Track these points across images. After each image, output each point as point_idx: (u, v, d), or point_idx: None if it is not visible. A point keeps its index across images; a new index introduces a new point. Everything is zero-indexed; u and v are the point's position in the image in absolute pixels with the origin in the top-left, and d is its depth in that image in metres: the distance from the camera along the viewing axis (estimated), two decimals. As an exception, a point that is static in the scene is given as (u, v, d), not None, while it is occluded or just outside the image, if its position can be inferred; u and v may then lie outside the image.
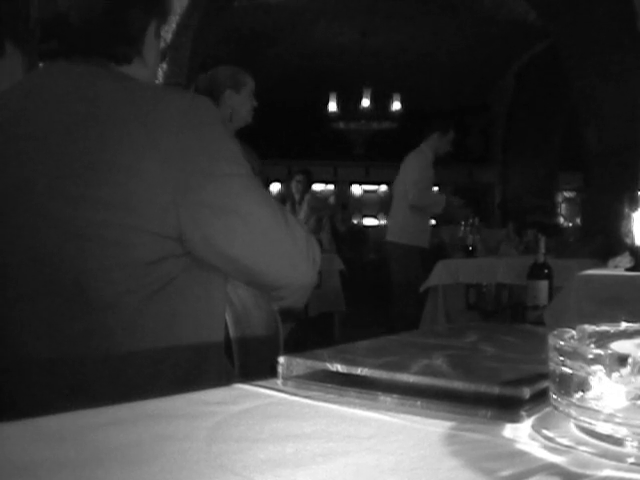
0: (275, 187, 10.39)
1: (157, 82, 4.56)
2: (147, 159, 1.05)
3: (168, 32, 5.01)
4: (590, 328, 0.60)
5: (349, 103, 9.63)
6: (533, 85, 9.95)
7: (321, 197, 11.52)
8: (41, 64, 1.22)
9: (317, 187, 10.78)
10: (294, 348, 0.85)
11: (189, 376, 1.15)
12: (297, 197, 7.00)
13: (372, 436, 0.55)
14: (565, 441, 0.52)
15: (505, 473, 0.46)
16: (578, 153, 6.51)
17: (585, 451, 0.50)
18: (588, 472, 0.46)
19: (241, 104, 3.05)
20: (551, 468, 0.47)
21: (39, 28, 1.19)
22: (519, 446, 0.52)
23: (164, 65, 5.07)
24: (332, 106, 9.65)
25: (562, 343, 0.53)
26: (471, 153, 11.95)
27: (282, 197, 6.57)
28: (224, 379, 1.13)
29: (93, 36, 1.17)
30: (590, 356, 0.51)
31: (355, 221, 13.81)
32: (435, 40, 9.23)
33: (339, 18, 8.50)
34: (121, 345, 1.09)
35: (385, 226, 5.86)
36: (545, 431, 0.55)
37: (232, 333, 1.69)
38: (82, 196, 1.04)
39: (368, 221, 13.96)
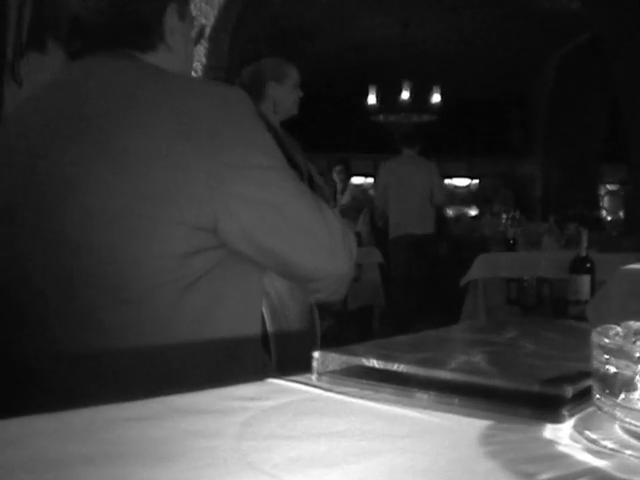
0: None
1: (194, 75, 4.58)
2: (181, 151, 1.04)
3: (207, 24, 5.02)
4: (636, 325, 0.58)
5: (388, 96, 9.58)
6: (575, 76, 9.79)
7: (362, 190, 11.53)
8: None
9: (357, 180, 10.74)
10: (333, 342, 0.84)
11: (225, 370, 1.14)
12: (340, 187, 7.08)
13: (407, 435, 0.53)
14: (609, 444, 0.50)
15: (545, 476, 0.45)
16: (622, 145, 6.39)
17: (631, 455, 0.48)
18: (634, 478, 0.44)
19: (285, 96, 3.04)
20: (594, 472, 0.45)
21: (64, 30, 1.22)
22: (560, 448, 0.50)
23: (203, 59, 5.08)
24: (371, 99, 9.61)
25: (606, 340, 0.51)
26: (511, 145, 11.82)
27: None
28: (260, 373, 1.13)
29: (108, 30, 1.19)
30: (636, 354, 0.49)
31: (394, 214, 13.76)
32: (476, 31, 9.13)
33: (380, 10, 8.45)
34: (156, 338, 1.08)
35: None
36: (588, 432, 0.53)
37: (269, 327, 1.68)
38: (117, 187, 1.04)
39: (407, 215, 13.90)
